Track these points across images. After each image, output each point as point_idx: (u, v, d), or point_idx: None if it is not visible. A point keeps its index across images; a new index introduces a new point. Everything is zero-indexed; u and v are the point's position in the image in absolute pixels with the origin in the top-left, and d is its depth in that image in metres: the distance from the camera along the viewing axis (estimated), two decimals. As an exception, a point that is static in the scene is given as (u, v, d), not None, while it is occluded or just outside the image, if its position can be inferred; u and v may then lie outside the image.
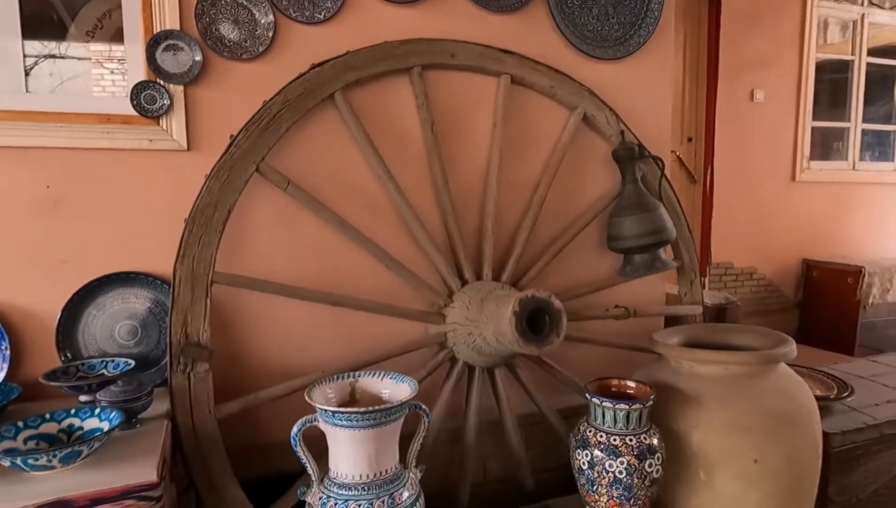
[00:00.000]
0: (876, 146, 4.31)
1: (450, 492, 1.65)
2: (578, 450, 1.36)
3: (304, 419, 1.18)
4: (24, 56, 1.41)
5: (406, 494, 1.20)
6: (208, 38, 1.48)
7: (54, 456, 1.02)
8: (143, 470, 1.05)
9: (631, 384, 1.42)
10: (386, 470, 1.18)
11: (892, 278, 3.55)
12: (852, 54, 4.09)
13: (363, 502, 1.14)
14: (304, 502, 1.20)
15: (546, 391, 1.76)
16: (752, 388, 1.40)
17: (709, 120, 3.48)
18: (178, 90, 1.48)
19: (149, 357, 1.49)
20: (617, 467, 1.29)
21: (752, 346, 1.56)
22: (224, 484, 1.34)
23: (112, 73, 1.48)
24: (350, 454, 1.16)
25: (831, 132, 4.14)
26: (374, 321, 1.66)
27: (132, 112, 1.44)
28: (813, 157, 3.95)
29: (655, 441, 1.33)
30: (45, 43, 1.44)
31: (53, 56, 1.45)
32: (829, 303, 3.72)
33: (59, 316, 1.42)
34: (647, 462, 1.30)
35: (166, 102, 1.46)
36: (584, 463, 1.34)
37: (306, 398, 1.16)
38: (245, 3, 1.50)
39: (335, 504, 1.14)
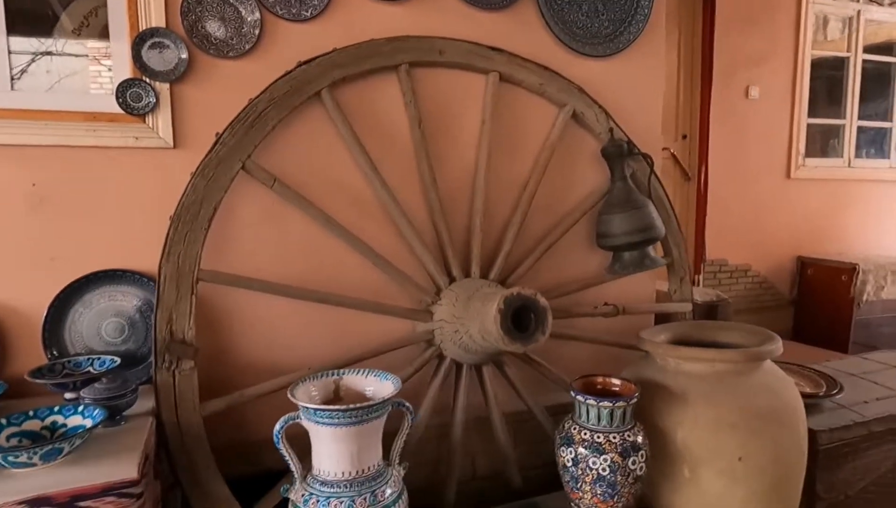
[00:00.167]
0: (872, 143, 4.30)
1: (438, 489, 1.65)
2: (563, 447, 1.36)
3: (286, 416, 1.18)
4: (10, 53, 1.41)
5: (389, 491, 1.20)
6: (194, 36, 1.48)
7: (35, 454, 1.03)
8: (125, 467, 1.05)
9: (616, 381, 1.43)
10: (368, 468, 1.19)
11: (887, 276, 3.55)
12: (848, 51, 4.08)
13: (345, 499, 1.15)
14: (288, 499, 1.21)
15: (534, 388, 1.76)
16: (738, 385, 1.41)
17: (703, 117, 3.48)
18: (164, 88, 1.48)
19: (136, 355, 1.50)
20: (600, 464, 1.30)
21: (739, 343, 1.57)
22: (209, 481, 1.34)
23: (109, 70, 1.48)
24: (332, 451, 1.16)
25: (827, 129, 4.13)
26: (362, 318, 1.66)
27: (118, 110, 1.44)
28: (808, 154, 3.94)
29: (639, 439, 1.33)
30: (42, 40, 1.44)
31: (50, 53, 1.45)
32: (824, 300, 3.72)
33: (45, 313, 1.43)
34: (631, 460, 1.30)
35: (152, 99, 1.46)
36: (568, 461, 1.34)
37: (289, 396, 1.16)
38: (231, 1, 1.50)
39: (317, 502, 1.15)
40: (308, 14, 1.57)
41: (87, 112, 1.44)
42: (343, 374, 1.31)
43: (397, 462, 1.28)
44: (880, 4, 4.12)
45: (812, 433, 1.71)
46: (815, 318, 3.78)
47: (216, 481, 1.35)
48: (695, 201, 3.57)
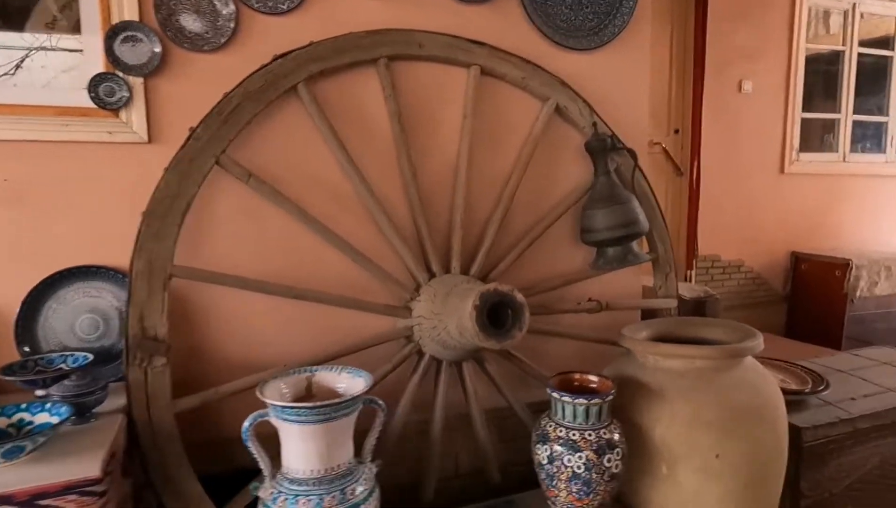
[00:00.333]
0: (868, 138, 4.27)
1: (421, 486, 1.64)
2: (539, 445, 1.35)
3: (255, 413, 1.17)
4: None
5: (360, 489, 1.19)
6: (168, 30, 1.46)
7: (-4, 451, 1.02)
8: (88, 465, 1.04)
9: (593, 378, 1.41)
10: (338, 465, 1.17)
11: (881, 272, 3.52)
12: (843, 45, 4.04)
13: (313, 497, 1.13)
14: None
15: (516, 384, 1.75)
16: (716, 382, 1.39)
17: (695, 112, 3.45)
18: (137, 82, 1.46)
19: (111, 352, 1.49)
20: (575, 462, 1.28)
21: (721, 340, 1.55)
22: (181, 479, 1.33)
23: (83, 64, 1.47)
24: (301, 449, 1.15)
25: (822, 124, 4.10)
26: (342, 314, 1.64)
27: (91, 104, 1.43)
28: (803, 149, 3.91)
29: (616, 436, 1.32)
30: (37, 35, 1.43)
31: (44, 48, 1.44)
32: (817, 296, 3.70)
33: (18, 310, 1.42)
34: (606, 457, 1.29)
35: (125, 94, 1.44)
36: (543, 458, 1.33)
37: (257, 394, 1.15)
38: (206, -6, 1.48)
39: (285, 500, 1.14)
40: (285, 7, 1.56)
41: (60, 106, 1.42)
42: (316, 371, 1.30)
43: (369, 459, 1.27)
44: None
45: (796, 431, 1.69)
46: (809, 314, 3.76)
47: (189, 479, 1.34)
48: (687, 196, 3.55)
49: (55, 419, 1.15)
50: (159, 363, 1.34)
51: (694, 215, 3.52)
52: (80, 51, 1.45)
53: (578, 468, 1.28)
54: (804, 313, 3.80)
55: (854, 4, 3.99)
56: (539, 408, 1.77)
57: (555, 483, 1.32)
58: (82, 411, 1.22)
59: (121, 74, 1.44)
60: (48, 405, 1.18)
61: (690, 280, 3.47)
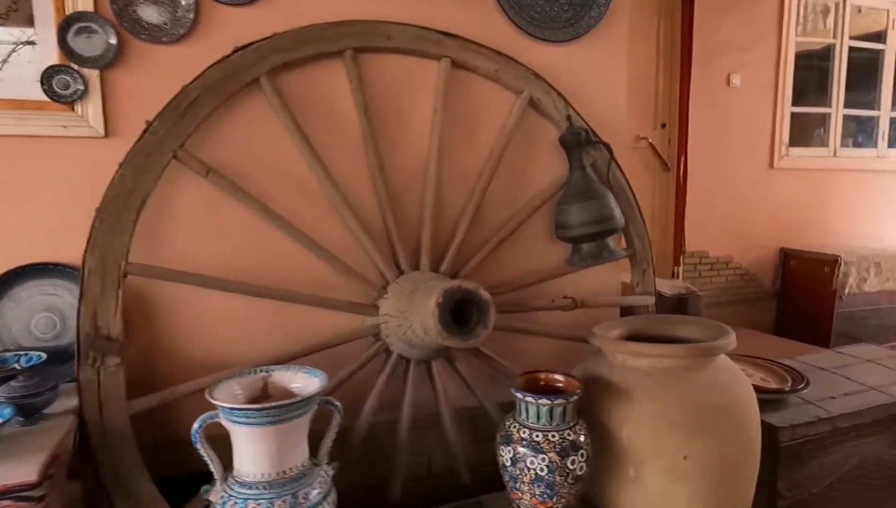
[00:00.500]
0: (859, 133, 4.22)
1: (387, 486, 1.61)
2: (502, 446, 1.31)
3: (205, 415, 1.14)
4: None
5: (314, 492, 1.16)
6: (124, 21, 1.42)
7: (-70, 455, 0.98)
8: (25, 469, 1.01)
9: (559, 378, 1.38)
10: (291, 468, 1.14)
11: (870, 268, 3.48)
12: (834, 38, 3.99)
13: (263, 501, 1.10)
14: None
15: (489, 383, 1.72)
16: (685, 382, 1.36)
17: (682, 106, 3.40)
18: (93, 75, 1.42)
19: (68, 351, 1.45)
20: (538, 464, 1.25)
21: (694, 338, 1.51)
22: (135, 481, 1.30)
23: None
24: (250, 452, 1.12)
25: (812, 118, 4.05)
26: (311, 312, 1.61)
27: (45, 98, 1.39)
28: (793, 143, 3.86)
29: (581, 438, 1.28)
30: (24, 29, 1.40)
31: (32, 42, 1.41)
32: (807, 293, 3.66)
33: (-29, 309, 1.38)
34: (570, 459, 1.25)
35: (80, 87, 1.40)
36: (507, 460, 1.30)
37: (206, 395, 1.12)
38: (164, -16, 1.44)
39: (235, 504, 1.11)
40: (247, -3, 1.52)
41: (13, 99, 1.39)
42: (272, 371, 1.27)
43: (326, 462, 1.23)
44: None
45: (773, 430, 1.66)
46: (798, 311, 3.72)
47: (142, 480, 1.31)
48: (674, 191, 3.51)
49: (-2, 421, 1.12)
50: (113, 362, 1.31)
51: (681, 211, 3.47)
52: (34, 43, 1.41)
53: (541, 470, 1.25)
54: (793, 309, 3.76)
55: (845, -2, 3.95)
56: (511, 407, 1.74)
57: (518, 485, 1.29)
58: (30, 412, 1.19)
59: (75, 67, 1.40)
60: (-8, 407, 1.15)
61: (678, 277, 3.43)
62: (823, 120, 4.05)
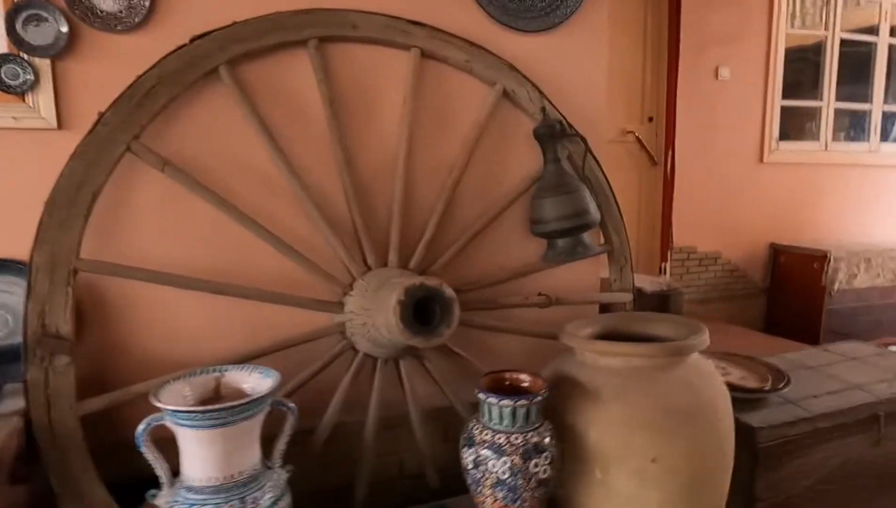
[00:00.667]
0: (851, 127, 4.16)
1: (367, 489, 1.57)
2: (465, 448, 1.27)
3: (150, 417, 1.10)
4: None
5: (266, 497, 1.12)
6: (76, 8, 1.37)
7: None
8: (-45, 475, 0.97)
9: (525, 378, 1.33)
10: (239, 472, 1.10)
11: (860, 264, 3.43)
12: (825, 30, 3.93)
13: (210, 506, 1.06)
14: (157, 505, 1.12)
15: (462, 382, 1.67)
16: (655, 382, 1.31)
17: (670, 99, 3.35)
18: (44, 64, 1.38)
19: (21, 350, 1.40)
20: (500, 467, 1.21)
21: (668, 336, 1.47)
22: (85, 484, 1.26)
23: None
24: (197, 455, 1.08)
25: (803, 112, 3.99)
26: (277, 310, 1.56)
27: (-7, 88, 1.35)
28: (783, 137, 3.81)
29: (546, 440, 1.24)
30: None
31: None
32: (796, 289, 3.61)
33: (-81, 306, 1.34)
34: (533, 462, 1.21)
35: (30, 77, 1.36)
36: (469, 463, 1.26)
37: (150, 398, 1.07)
38: (119, -30, 1.39)
39: (180, 509, 1.07)
40: (206, -15, 1.47)
41: (-41, 91, 1.34)
42: (225, 371, 1.23)
43: (279, 465, 1.19)
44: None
45: (751, 431, 1.62)
46: (788, 307, 3.67)
47: (93, 484, 1.27)
48: (661, 186, 3.45)
49: (-66, 424, 1.08)
50: (62, 362, 1.26)
51: (669, 206, 3.42)
52: (-19, 32, 1.36)
53: (503, 473, 1.21)
54: (783, 306, 3.72)
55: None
56: (484, 407, 1.70)
57: (480, 489, 1.25)
58: (-30, 414, 1.15)
59: (25, 56, 1.35)
60: (-70, 409, 1.11)
61: (665, 272, 3.39)
62: (815, 114, 4.00)
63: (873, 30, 4.11)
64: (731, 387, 1.72)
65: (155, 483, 1.37)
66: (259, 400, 1.09)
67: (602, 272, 2.02)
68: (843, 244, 3.66)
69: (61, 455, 1.25)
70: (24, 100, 1.37)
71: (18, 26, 1.34)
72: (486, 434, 1.24)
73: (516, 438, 1.22)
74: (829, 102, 3.97)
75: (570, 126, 1.77)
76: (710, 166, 3.54)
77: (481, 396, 1.25)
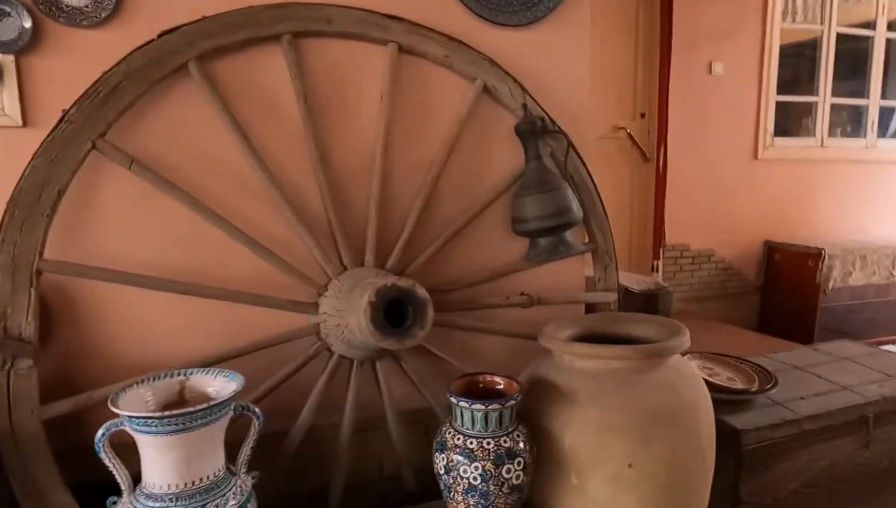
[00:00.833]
0: (848, 122, 4.11)
1: (345, 491, 1.54)
2: (437, 453, 1.24)
3: (109, 423, 1.06)
4: None
5: (230, 504, 1.09)
6: (40, 3, 1.34)
7: None
8: None
9: (500, 380, 1.30)
10: (201, 479, 1.07)
11: (855, 261, 3.39)
12: (821, 24, 3.87)
13: (169, 514, 1.04)
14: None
15: (442, 384, 1.63)
16: (633, 385, 1.28)
17: (662, 95, 3.30)
18: (8, 60, 1.34)
19: (-13, 352, 1.38)
20: (471, 473, 1.18)
21: (649, 337, 1.44)
22: (49, 489, 1.23)
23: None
24: (156, 461, 1.05)
25: (799, 107, 3.94)
26: (252, 311, 1.54)
27: (-45, 84, 1.32)
28: (778, 133, 3.76)
29: (520, 445, 1.21)
30: None
31: None
32: (791, 287, 3.56)
33: None
34: (505, 468, 1.18)
35: (-7, 73, 1.33)
36: (441, 468, 1.23)
37: (109, 404, 1.04)
38: (85, -36, 1.36)
39: (138, 517, 1.04)
40: (176, -22, 1.43)
41: (-79, 87, 1.31)
42: (191, 374, 1.20)
43: (244, 470, 1.17)
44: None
45: (736, 433, 1.59)
46: (783, 305, 3.63)
47: (57, 489, 1.24)
48: (654, 182, 3.41)
49: None
50: (24, 365, 1.24)
51: (661, 203, 3.38)
52: (-55, 26, 1.33)
53: (475, 479, 1.18)
54: (778, 304, 3.68)
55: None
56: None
57: (452, 494, 1.22)
58: (-73, 419, 1.12)
59: (-13, 52, 1.32)
60: None
61: (657, 271, 3.35)
62: (810, 109, 3.95)
63: (870, 25, 4.05)
64: (717, 388, 1.70)
65: (117, 489, 1.36)
66: (219, 405, 1.05)
67: (588, 271, 1.98)
68: (838, 242, 3.61)
69: (23, 459, 1.22)
70: (-13, 97, 1.34)
71: (-20, 21, 1.30)
72: (458, 439, 1.21)
73: (488, 443, 1.19)
74: (825, 98, 3.92)
75: (553, 122, 1.74)
76: (703, 163, 3.50)
77: (453, 399, 1.22)
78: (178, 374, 1.19)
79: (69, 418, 1.33)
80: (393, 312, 1.33)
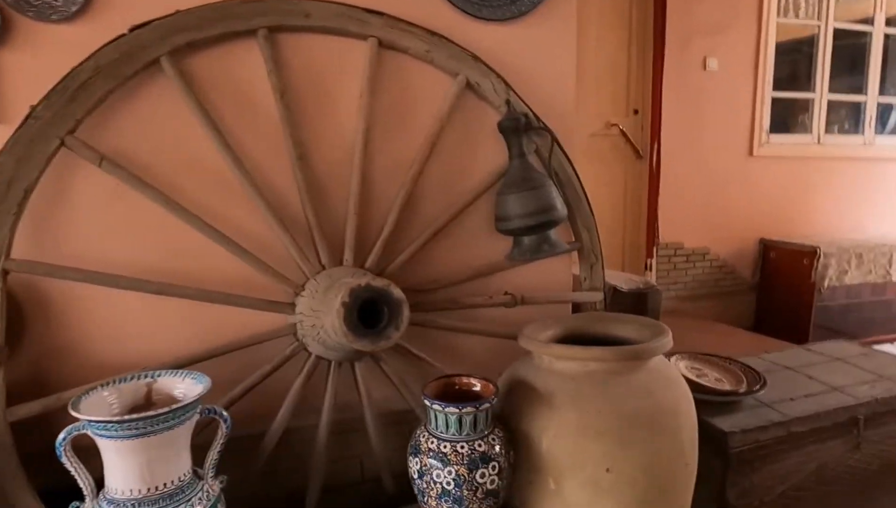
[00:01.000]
0: (845, 119, 4.06)
1: (326, 494, 1.52)
2: (411, 457, 1.22)
3: (70, 426, 1.04)
4: None
5: (195, 509, 1.06)
6: (8, -4, 1.31)
7: None
8: None
9: (476, 382, 1.28)
10: (164, 484, 1.05)
11: (851, 260, 3.35)
12: (818, 20, 3.83)
13: (130, 520, 1.01)
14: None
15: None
16: (613, 387, 1.25)
17: (656, 91, 3.26)
18: (-25, 56, 1.32)
19: (-43, 352, 1.35)
20: (445, 477, 1.16)
21: (631, 338, 1.41)
22: (15, 493, 1.21)
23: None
24: (118, 466, 1.03)
25: (795, 104, 3.89)
26: (229, 311, 1.51)
27: (-79, 80, 1.29)
28: (774, 130, 3.71)
29: (495, 448, 1.19)
30: None
31: None
32: (786, 285, 3.53)
33: None
34: (479, 473, 1.16)
35: (-39, 68, 1.30)
36: (414, 472, 1.20)
37: (69, 408, 1.02)
38: (54, -43, 1.33)
39: (100, 523, 1.02)
40: (149, -28, 1.40)
41: None
42: (158, 376, 1.18)
43: (211, 475, 1.14)
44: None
45: (722, 435, 1.57)
46: (778, 304, 3.59)
47: (23, 493, 1.22)
48: (647, 180, 3.37)
49: None
50: (-10, 367, 1.21)
51: (654, 201, 3.34)
52: (-89, 21, 1.30)
53: (448, 483, 1.16)
54: (773, 302, 3.64)
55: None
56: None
57: (426, 499, 1.19)
58: None
59: (-46, 47, 1.30)
60: None
61: (651, 269, 3.32)
62: (807, 106, 3.90)
63: (869, 20, 4.00)
64: (704, 390, 1.67)
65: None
66: (182, 409, 1.03)
67: (575, 270, 1.95)
68: (834, 240, 3.57)
69: (-11, 463, 1.20)
70: (-45, 93, 1.32)
71: (-54, 16, 1.28)
72: (432, 442, 1.19)
73: (462, 447, 1.16)
74: (821, 94, 3.87)
75: (537, 119, 1.71)
76: (697, 160, 3.46)
77: (427, 402, 1.19)
78: (146, 376, 1.17)
79: (39, 420, 1.31)
80: (368, 312, 1.30)
